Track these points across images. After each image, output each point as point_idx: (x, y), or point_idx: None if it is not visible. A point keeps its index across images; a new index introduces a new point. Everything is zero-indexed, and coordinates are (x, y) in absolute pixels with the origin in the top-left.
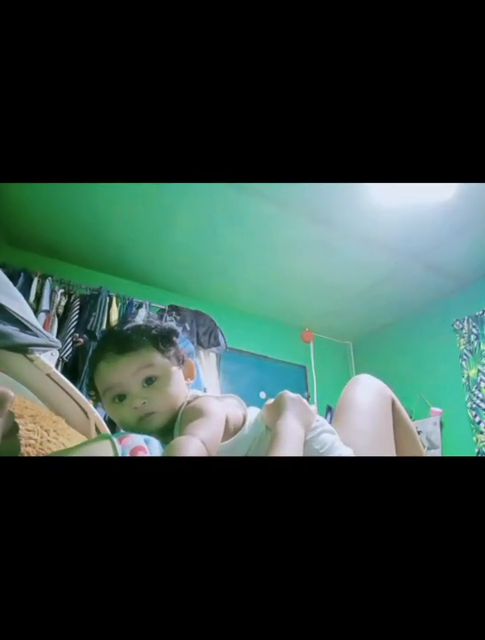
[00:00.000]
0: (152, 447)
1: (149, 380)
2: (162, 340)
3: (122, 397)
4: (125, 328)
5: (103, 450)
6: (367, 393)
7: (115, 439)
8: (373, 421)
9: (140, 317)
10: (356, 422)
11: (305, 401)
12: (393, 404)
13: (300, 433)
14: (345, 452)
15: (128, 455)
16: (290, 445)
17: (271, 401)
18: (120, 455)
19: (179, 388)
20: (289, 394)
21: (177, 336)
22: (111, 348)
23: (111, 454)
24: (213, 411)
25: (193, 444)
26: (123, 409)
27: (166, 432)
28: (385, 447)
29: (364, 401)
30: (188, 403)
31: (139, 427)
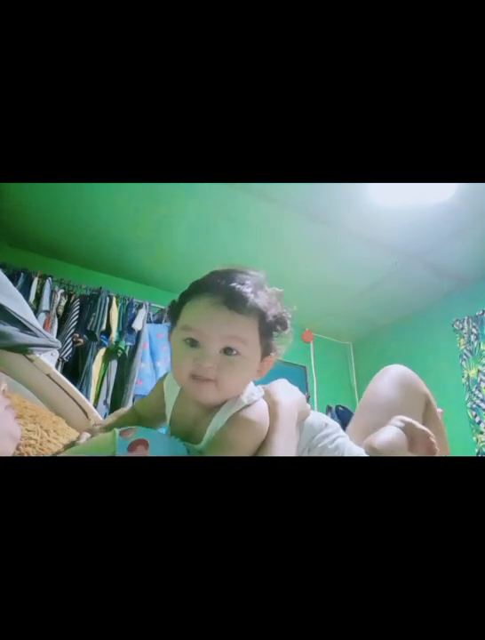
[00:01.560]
0: (154, 442)
1: (229, 351)
2: (270, 324)
3: (194, 344)
4: (249, 288)
5: (106, 444)
6: (393, 389)
7: (118, 433)
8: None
9: (266, 285)
10: (377, 422)
11: (301, 393)
12: (427, 402)
13: (294, 423)
14: (358, 452)
15: (126, 452)
16: (286, 435)
17: (265, 386)
18: (117, 446)
19: (248, 377)
20: (286, 382)
21: (283, 329)
22: (224, 295)
23: (111, 449)
24: (263, 432)
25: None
26: (189, 355)
27: (199, 407)
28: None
29: (389, 399)
30: (247, 409)
31: (188, 384)
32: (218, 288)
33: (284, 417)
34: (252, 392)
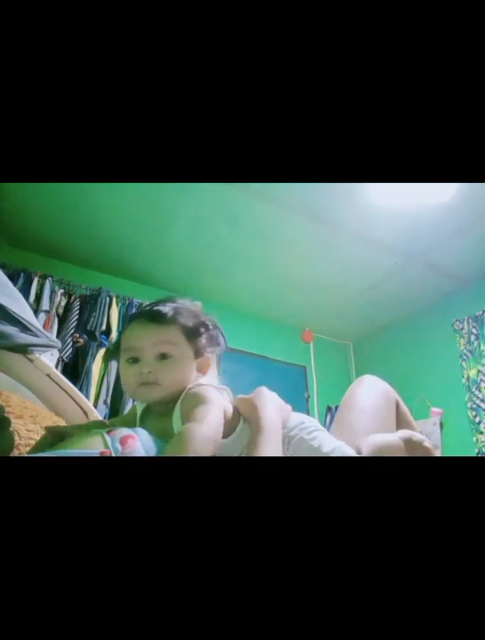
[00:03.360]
0: (141, 436)
1: (163, 356)
2: (191, 328)
3: (135, 360)
4: (167, 303)
5: (95, 442)
6: (370, 394)
7: (104, 433)
8: (375, 423)
9: (186, 302)
10: (358, 424)
11: (280, 399)
12: (398, 406)
13: (280, 427)
14: (338, 444)
15: (118, 446)
16: (274, 439)
17: (245, 395)
18: (109, 446)
19: (186, 375)
20: (266, 389)
21: (206, 330)
22: (146, 315)
23: (102, 446)
24: (215, 400)
25: (201, 432)
26: (131, 371)
27: (160, 409)
28: None
29: (367, 402)
30: (189, 389)
31: (137, 392)
32: (143, 313)
33: (270, 429)
34: (199, 382)
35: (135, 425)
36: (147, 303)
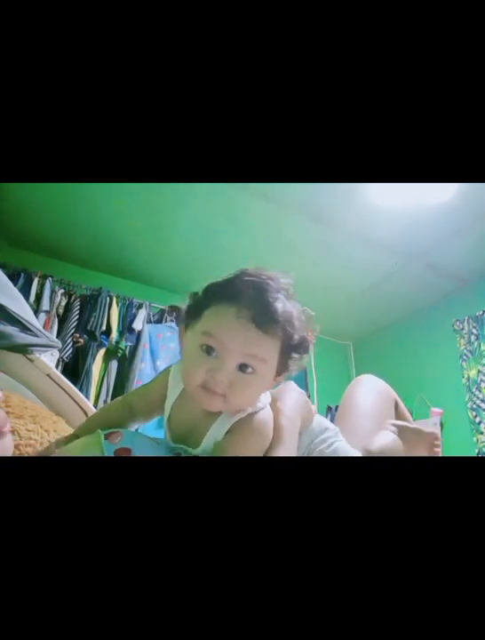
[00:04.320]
0: (137, 446)
1: (245, 368)
2: (292, 347)
3: (211, 352)
4: (279, 303)
5: (91, 450)
6: (369, 394)
7: (103, 436)
8: (374, 423)
9: (295, 302)
10: (357, 424)
11: (307, 398)
12: (397, 405)
13: (295, 434)
14: (354, 453)
15: (113, 454)
16: (285, 449)
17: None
18: (104, 450)
19: (256, 396)
20: (294, 385)
21: (305, 353)
22: (252, 310)
23: (96, 450)
24: (268, 439)
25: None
26: (201, 362)
27: (201, 415)
28: None
29: (365, 402)
30: (254, 414)
31: (195, 392)
32: (248, 300)
33: (287, 427)
34: (259, 400)
35: (160, 404)
36: (250, 278)
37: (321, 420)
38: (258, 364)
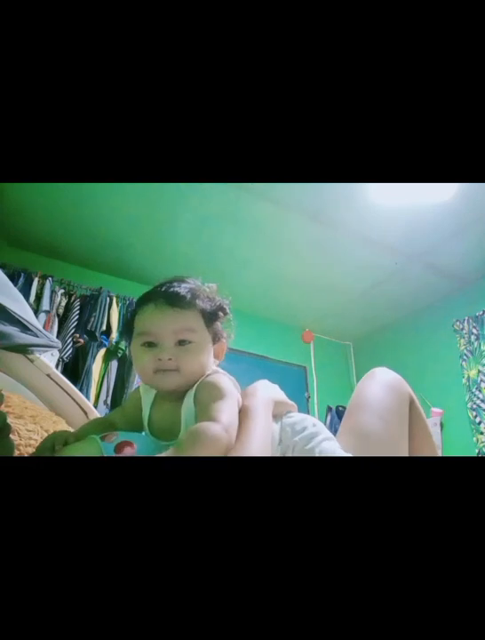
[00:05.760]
0: (139, 444)
1: (183, 342)
2: (211, 313)
3: (151, 345)
4: (183, 285)
5: (89, 451)
6: (380, 390)
7: (98, 439)
8: (385, 423)
9: (199, 284)
10: (367, 424)
11: (279, 389)
12: (412, 402)
13: (270, 406)
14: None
15: (114, 451)
16: (263, 418)
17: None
18: (103, 450)
19: (206, 361)
20: (266, 382)
21: (224, 314)
22: (164, 297)
23: (96, 453)
24: (232, 393)
25: (217, 435)
26: (148, 356)
27: (173, 396)
28: (394, 452)
29: (377, 399)
30: (207, 376)
31: (154, 379)
32: (159, 294)
33: (257, 405)
34: (216, 369)
35: (138, 417)
36: (159, 283)
37: (304, 418)
38: (190, 334)
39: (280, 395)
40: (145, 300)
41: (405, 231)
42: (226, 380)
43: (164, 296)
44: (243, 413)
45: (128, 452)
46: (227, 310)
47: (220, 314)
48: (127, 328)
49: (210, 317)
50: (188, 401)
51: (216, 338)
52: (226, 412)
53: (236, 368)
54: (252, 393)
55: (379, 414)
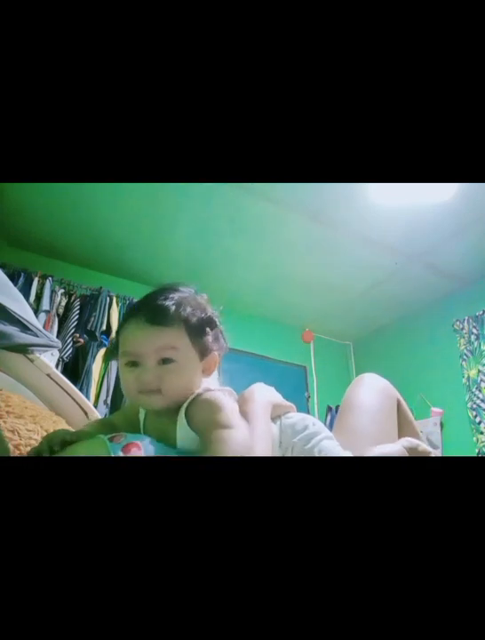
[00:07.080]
0: (145, 445)
1: (166, 361)
2: (196, 327)
3: (134, 364)
4: (168, 298)
5: (97, 451)
6: (370, 393)
7: (106, 439)
8: (375, 423)
9: (189, 292)
10: (358, 424)
11: (276, 392)
12: (399, 404)
13: (268, 407)
14: (343, 455)
15: (120, 452)
16: (262, 416)
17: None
18: (110, 450)
19: (191, 380)
20: (262, 384)
21: (212, 328)
22: (145, 314)
23: (104, 454)
24: (229, 403)
25: (239, 437)
26: (131, 376)
27: (162, 414)
28: None
29: (367, 402)
30: (199, 395)
31: (136, 399)
32: (141, 310)
33: (256, 410)
34: (207, 386)
35: (137, 421)
36: (148, 294)
37: (304, 418)
38: (172, 352)
39: (276, 397)
40: (128, 315)
41: (405, 231)
42: (218, 395)
43: (146, 312)
44: (242, 419)
45: (135, 452)
46: (217, 323)
47: (208, 328)
48: (114, 349)
49: (197, 331)
50: (181, 421)
51: (204, 352)
52: (234, 418)
53: (236, 368)
54: (249, 397)
55: (370, 415)
